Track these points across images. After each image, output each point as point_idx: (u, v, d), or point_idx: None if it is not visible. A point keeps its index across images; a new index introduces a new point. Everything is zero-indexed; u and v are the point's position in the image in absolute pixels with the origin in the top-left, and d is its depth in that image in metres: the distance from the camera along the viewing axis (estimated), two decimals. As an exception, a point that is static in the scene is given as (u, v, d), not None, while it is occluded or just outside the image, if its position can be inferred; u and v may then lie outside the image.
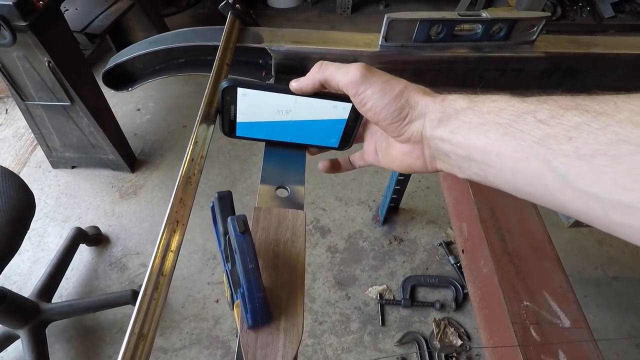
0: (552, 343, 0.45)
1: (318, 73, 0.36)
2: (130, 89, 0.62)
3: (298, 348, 0.30)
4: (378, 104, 0.32)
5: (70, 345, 1.17)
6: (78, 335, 1.19)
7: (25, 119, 1.41)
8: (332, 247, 1.40)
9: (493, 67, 0.59)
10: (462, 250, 0.63)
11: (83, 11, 1.54)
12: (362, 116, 0.37)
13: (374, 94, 0.32)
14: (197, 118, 0.41)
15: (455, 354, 1.15)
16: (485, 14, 0.54)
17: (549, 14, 0.55)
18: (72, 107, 1.32)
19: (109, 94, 1.89)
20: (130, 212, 1.48)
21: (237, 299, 0.35)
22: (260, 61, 0.59)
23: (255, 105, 0.39)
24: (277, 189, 0.43)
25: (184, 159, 0.37)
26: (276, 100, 0.38)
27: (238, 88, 0.37)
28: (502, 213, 0.59)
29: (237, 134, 0.43)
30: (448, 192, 0.70)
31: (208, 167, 1.62)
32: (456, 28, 0.55)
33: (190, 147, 0.38)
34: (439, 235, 1.43)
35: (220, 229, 0.42)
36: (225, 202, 0.42)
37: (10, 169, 1.67)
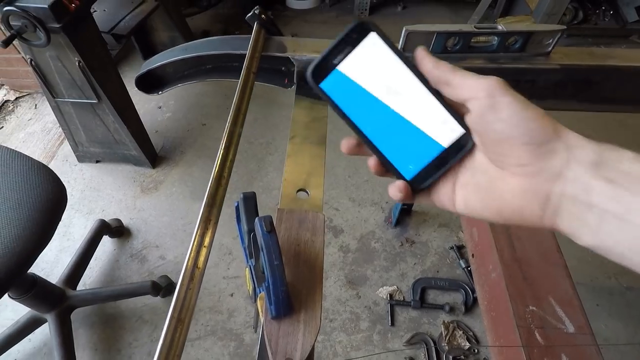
0: (555, 346, 0.47)
1: (437, 69, 0.29)
2: (160, 92, 0.66)
3: (316, 338, 0.33)
4: (519, 114, 0.25)
5: (92, 331, 1.23)
6: (100, 322, 1.25)
7: (55, 115, 1.48)
8: (344, 247, 1.43)
9: (508, 78, 0.61)
10: (472, 255, 0.65)
11: (110, 12, 1.61)
12: (463, 153, 0.29)
13: (514, 103, 0.26)
14: (227, 123, 0.45)
15: (463, 357, 1.17)
16: (501, 27, 0.56)
17: (565, 27, 0.57)
18: (98, 105, 1.39)
19: (132, 91, 1.96)
20: (150, 206, 1.54)
21: (260, 292, 0.39)
22: (283, 68, 0.62)
23: (371, 64, 0.30)
24: (297, 191, 0.47)
25: (216, 161, 0.40)
26: (396, 72, 0.30)
27: (372, 32, 0.29)
28: (512, 220, 0.60)
29: (320, 85, 0.30)
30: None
31: (225, 164, 1.66)
32: (472, 40, 0.57)
33: (220, 152, 0.41)
34: (450, 238, 1.45)
35: (244, 227, 0.46)
36: (249, 202, 0.46)
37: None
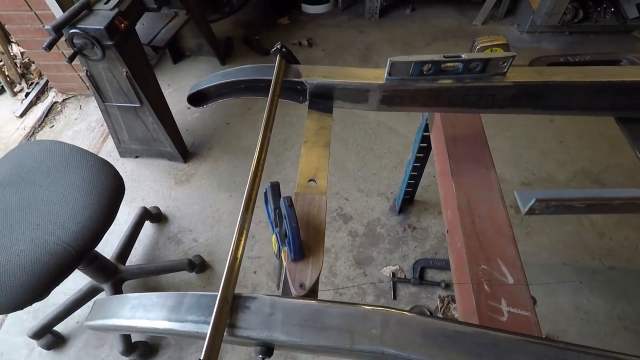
0: (498, 292, 0.65)
1: None
2: (205, 106, 0.86)
3: (319, 273, 0.52)
4: None
5: (140, 300, 1.46)
6: (146, 292, 1.48)
7: (103, 116, 1.71)
8: (352, 232, 1.62)
9: (472, 93, 0.78)
10: (447, 231, 0.83)
11: (148, 26, 1.82)
12: None
13: None
14: (260, 132, 0.64)
15: (455, 325, 1.35)
16: (464, 56, 0.73)
17: (514, 54, 0.74)
18: (140, 108, 1.61)
19: (164, 93, 2.18)
20: (183, 196, 1.76)
21: (282, 248, 0.58)
22: (299, 87, 0.81)
23: None
24: (309, 181, 0.66)
25: (253, 162, 0.59)
26: None
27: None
28: (476, 203, 0.78)
29: None
30: (441, 186, 0.90)
31: (246, 159, 1.87)
32: (442, 65, 0.74)
33: (256, 154, 0.60)
34: (448, 225, 1.62)
35: (271, 206, 0.66)
36: (275, 189, 0.66)
37: (86, 157, 1.98)
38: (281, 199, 0.55)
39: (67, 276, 0.99)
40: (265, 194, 0.67)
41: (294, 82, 0.76)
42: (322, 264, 0.53)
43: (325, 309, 0.46)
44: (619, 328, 1.37)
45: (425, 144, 1.30)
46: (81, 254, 1.00)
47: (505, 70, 0.76)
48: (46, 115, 2.18)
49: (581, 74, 0.77)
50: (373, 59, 2.37)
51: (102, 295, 1.39)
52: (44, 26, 1.65)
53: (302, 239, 0.54)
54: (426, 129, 1.18)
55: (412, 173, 1.47)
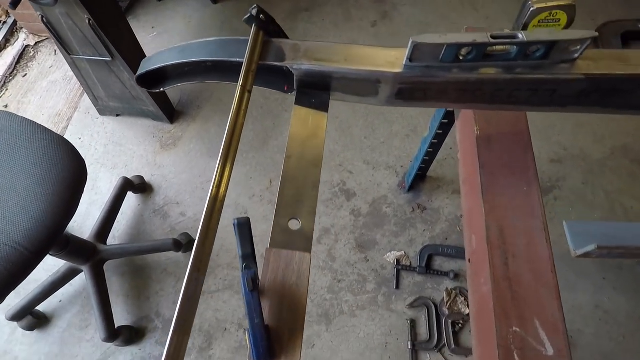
0: (531, 369, 0.50)
1: None
2: (162, 89, 0.65)
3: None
4: None
5: (124, 279, 1.37)
6: (130, 272, 1.38)
7: (72, 71, 1.48)
8: (355, 211, 1.46)
9: (525, 88, 0.56)
10: (469, 260, 0.67)
11: (117, -44, 1.50)
12: None
13: None
14: (224, 139, 0.45)
15: (461, 322, 1.24)
16: (522, 36, 0.50)
17: (596, 34, 0.50)
18: (113, 62, 1.37)
19: (147, 39, 1.90)
20: (170, 163, 1.59)
21: (246, 333, 0.42)
22: (285, 68, 0.59)
23: None
24: (289, 219, 0.48)
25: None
26: None
27: None
28: (511, 235, 0.60)
29: None
30: (465, 199, 0.71)
31: (241, 121, 1.66)
32: (488, 49, 0.52)
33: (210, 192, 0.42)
34: (463, 206, 1.44)
35: (239, 252, 0.48)
36: (243, 229, 0.48)
37: (63, 112, 1.80)
38: (241, 274, 0.38)
39: (24, 279, 0.86)
40: (234, 228, 0.50)
41: (274, 66, 0.55)
42: (298, 368, 0.37)
43: None
44: (639, 330, 1.25)
45: (447, 120, 1.08)
46: (36, 254, 0.86)
47: (577, 56, 0.53)
48: (17, 62, 1.95)
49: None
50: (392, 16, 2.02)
51: (81, 276, 1.29)
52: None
53: (271, 327, 0.38)
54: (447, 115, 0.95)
55: (428, 150, 1.26)
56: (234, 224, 0.49)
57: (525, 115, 0.69)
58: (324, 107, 0.57)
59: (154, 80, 0.65)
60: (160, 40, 1.93)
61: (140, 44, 1.48)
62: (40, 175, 0.90)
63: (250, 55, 0.52)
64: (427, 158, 1.32)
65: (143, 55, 1.49)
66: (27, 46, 2.01)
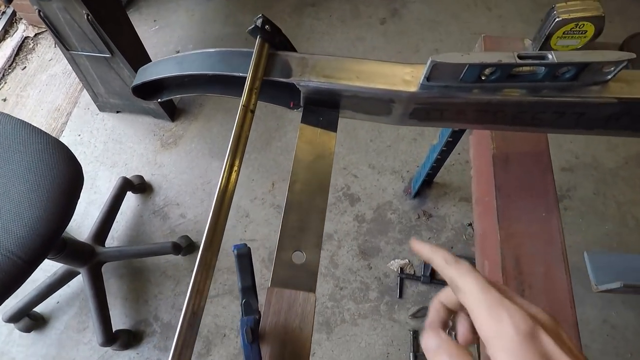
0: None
1: (449, 269, 0.30)
2: (159, 99, 0.61)
3: None
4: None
5: (122, 281, 1.35)
6: (128, 274, 1.36)
7: (71, 67, 1.44)
8: (359, 217, 1.42)
9: (551, 110, 0.52)
10: (481, 286, 0.63)
11: (119, -52, 1.45)
12: None
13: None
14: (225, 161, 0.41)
15: (465, 334, 1.21)
16: (551, 56, 0.46)
17: (634, 55, 0.46)
18: (112, 59, 1.33)
19: (148, 33, 1.86)
20: (170, 162, 1.56)
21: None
22: (290, 86, 0.55)
23: None
24: (293, 252, 0.44)
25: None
26: None
27: None
28: (528, 265, 0.57)
29: None
30: (478, 220, 0.67)
31: (244, 121, 1.62)
32: (513, 70, 0.48)
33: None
34: (469, 214, 1.41)
35: (239, 284, 0.45)
36: (244, 260, 0.45)
37: (63, 107, 1.76)
38: (240, 321, 0.34)
39: (18, 288, 0.84)
40: (235, 259, 0.47)
41: (280, 82, 0.51)
42: None
43: None
44: (648, 346, 1.22)
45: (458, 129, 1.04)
46: (30, 263, 0.83)
47: (610, 77, 0.49)
48: (16, 54, 1.90)
49: None
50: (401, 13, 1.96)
51: (79, 277, 1.27)
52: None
53: (273, 379, 0.35)
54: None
55: (437, 157, 1.22)
56: (234, 252, 0.46)
57: (546, 135, 0.65)
58: (332, 126, 0.53)
59: (151, 90, 0.61)
60: (162, 34, 1.88)
61: (142, 38, 1.44)
62: (35, 181, 0.87)
63: (254, 72, 0.48)
64: (435, 165, 1.28)
65: (144, 52, 1.45)
66: (26, 37, 1.96)
